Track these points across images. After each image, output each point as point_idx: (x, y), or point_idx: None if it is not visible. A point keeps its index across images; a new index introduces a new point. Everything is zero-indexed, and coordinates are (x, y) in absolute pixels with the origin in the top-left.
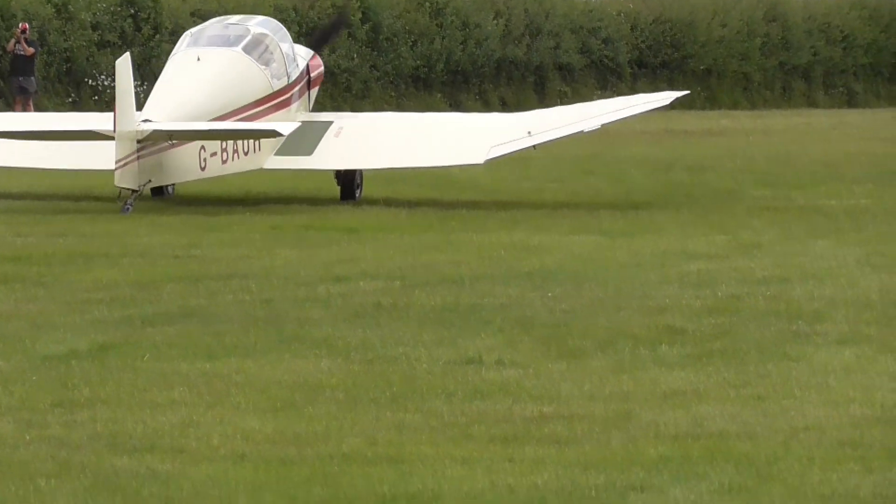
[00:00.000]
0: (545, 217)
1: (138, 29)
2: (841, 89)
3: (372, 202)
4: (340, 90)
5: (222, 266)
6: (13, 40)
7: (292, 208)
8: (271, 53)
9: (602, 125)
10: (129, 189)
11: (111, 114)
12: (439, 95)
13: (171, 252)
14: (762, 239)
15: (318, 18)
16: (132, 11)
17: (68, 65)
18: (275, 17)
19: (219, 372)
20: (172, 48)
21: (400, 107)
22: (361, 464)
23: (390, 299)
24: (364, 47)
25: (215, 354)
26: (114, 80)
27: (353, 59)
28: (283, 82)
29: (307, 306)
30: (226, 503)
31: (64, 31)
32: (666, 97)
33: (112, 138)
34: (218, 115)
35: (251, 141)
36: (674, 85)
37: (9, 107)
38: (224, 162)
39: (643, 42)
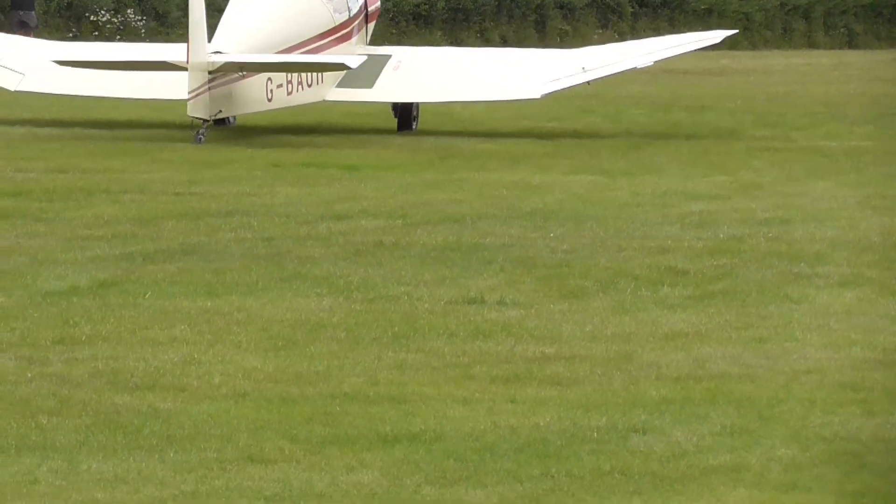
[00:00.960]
0: (545, 156)
1: None
2: (841, 30)
3: (374, 134)
4: None
5: (223, 203)
6: None
7: (293, 143)
8: None
9: (654, 62)
10: (200, 119)
11: (181, 45)
12: (439, 33)
13: (172, 189)
14: (763, 179)
15: None
16: None
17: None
18: None
19: (220, 310)
20: None
21: (401, 43)
22: (363, 403)
23: (391, 238)
24: None
25: (216, 292)
26: (114, 16)
27: None
28: (344, 16)
29: (308, 244)
30: (227, 441)
31: None
32: (716, 35)
33: (185, 69)
34: (284, 47)
35: (315, 73)
36: (674, 24)
37: None
38: (289, 94)
39: None
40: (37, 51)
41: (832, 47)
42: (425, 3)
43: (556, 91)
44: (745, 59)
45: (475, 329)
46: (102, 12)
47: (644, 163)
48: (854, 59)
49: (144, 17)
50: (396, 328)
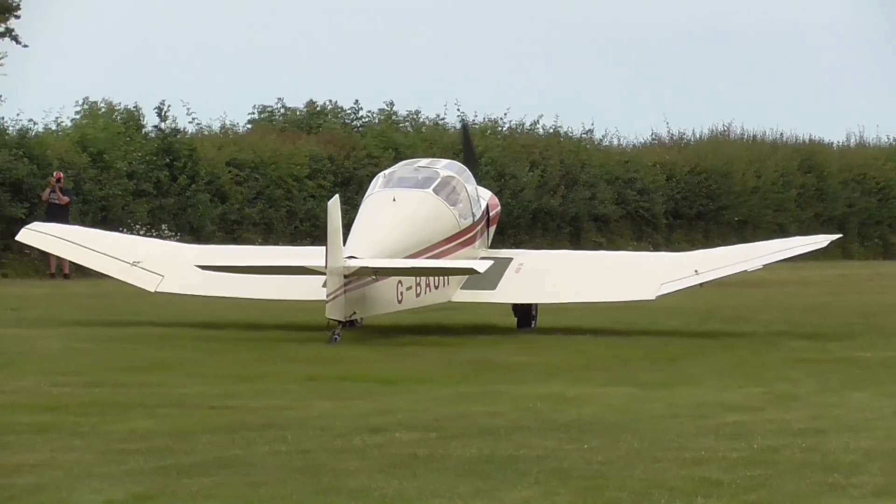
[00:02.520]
0: (581, 368)
1: (174, 178)
2: (876, 240)
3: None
4: None
5: (258, 416)
6: (48, 189)
7: (329, 359)
8: (458, 194)
9: (764, 265)
10: (336, 320)
11: (317, 248)
12: None
13: (207, 402)
14: (798, 390)
15: (354, 168)
16: (168, 160)
17: (104, 213)
18: (309, 165)
19: None
20: (208, 197)
21: None
22: None
23: (426, 450)
24: None
25: None
26: (149, 230)
27: None
28: (469, 221)
29: (343, 457)
30: None
31: (100, 180)
32: (823, 239)
33: (323, 273)
34: (412, 251)
35: (442, 276)
36: (709, 236)
37: (44, 257)
38: (418, 295)
39: (679, 193)
40: (176, 254)
41: (867, 258)
42: None
43: (670, 293)
44: (782, 271)
45: None
46: (137, 226)
47: (680, 374)
48: (889, 269)
49: (179, 233)
50: None
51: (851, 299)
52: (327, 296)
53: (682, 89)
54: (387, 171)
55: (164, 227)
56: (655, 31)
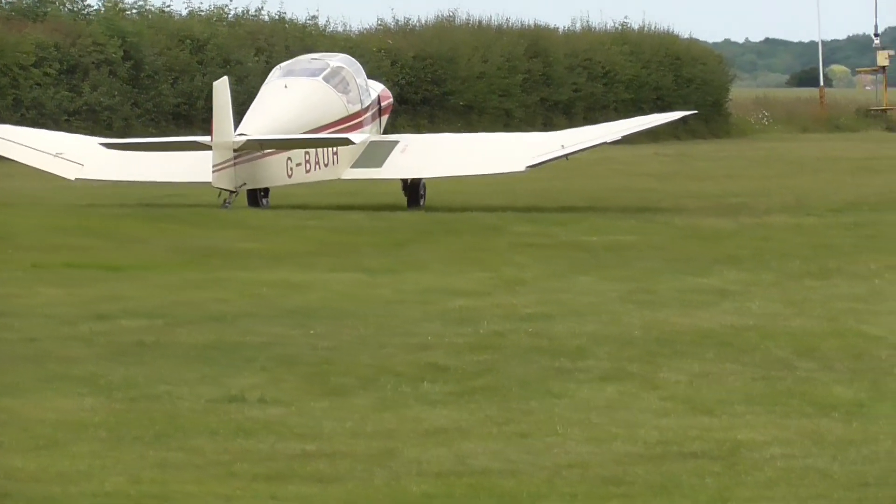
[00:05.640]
0: (308, 255)
1: None
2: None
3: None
4: (102, 127)
5: None
6: None
7: (54, 246)
8: (347, 83)
9: (622, 137)
10: (227, 190)
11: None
12: (200, 133)
13: None
14: (525, 275)
15: (79, 55)
16: None
17: None
18: (35, 53)
19: None
20: None
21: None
22: (125, 501)
23: (153, 337)
24: (125, 84)
25: None
26: None
27: (114, 96)
28: (357, 107)
29: (70, 344)
30: None
31: None
32: (678, 115)
33: (209, 148)
34: (301, 132)
35: (331, 154)
36: (435, 122)
37: None
38: (308, 171)
39: (403, 78)
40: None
41: None
42: (185, 103)
43: (539, 164)
44: None
45: (237, 427)
46: None
47: (406, 260)
48: (617, 153)
49: None
50: (158, 427)
51: (578, 184)
52: (213, 167)
53: None
54: (283, 64)
55: None
56: None
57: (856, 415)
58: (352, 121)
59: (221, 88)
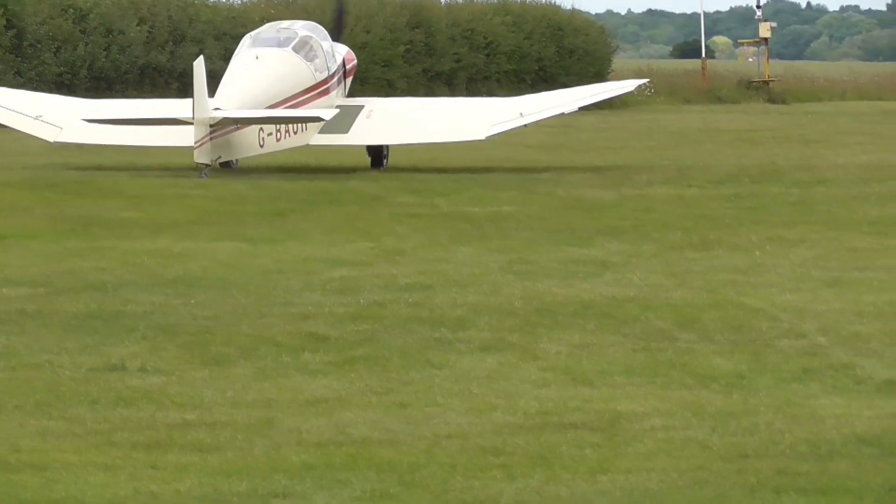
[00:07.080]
0: (189, 224)
1: None
2: (484, 96)
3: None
4: None
5: None
6: None
7: None
8: (314, 51)
9: (579, 108)
10: (203, 163)
11: (187, 100)
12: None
13: None
14: (406, 245)
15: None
16: None
17: None
18: None
19: None
20: None
21: None
22: (5, 471)
23: (34, 306)
24: (8, 53)
25: None
26: None
27: None
28: (324, 74)
29: None
30: None
31: None
32: (630, 84)
33: (191, 123)
34: (272, 102)
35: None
36: None
37: None
38: (278, 140)
39: None
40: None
41: None
42: (68, 73)
43: (500, 133)
44: None
45: (117, 396)
46: None
47: (287, 229)
48: None
49: None
50: (39, 396)
51: (460, 154)
52: (195, 143)
53: None
54: (253, 33)
55: None
56: None
57: (736, 386)
58: (320, 87)
59: (198, 68)
